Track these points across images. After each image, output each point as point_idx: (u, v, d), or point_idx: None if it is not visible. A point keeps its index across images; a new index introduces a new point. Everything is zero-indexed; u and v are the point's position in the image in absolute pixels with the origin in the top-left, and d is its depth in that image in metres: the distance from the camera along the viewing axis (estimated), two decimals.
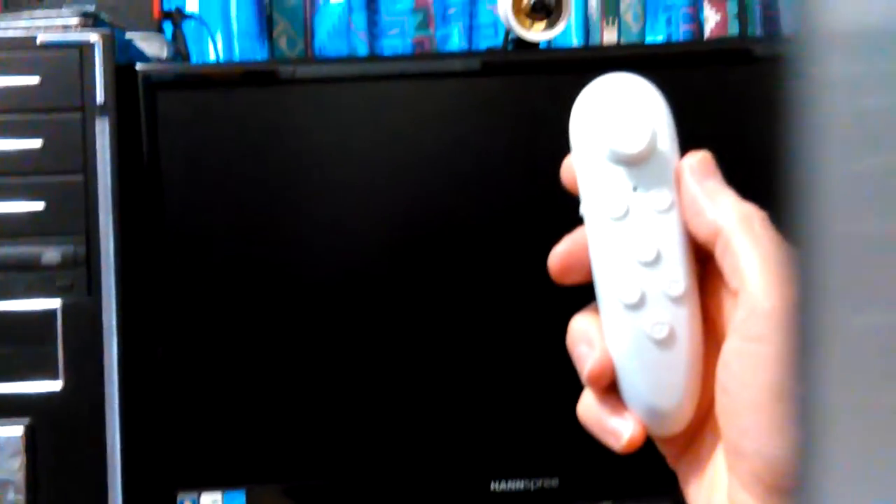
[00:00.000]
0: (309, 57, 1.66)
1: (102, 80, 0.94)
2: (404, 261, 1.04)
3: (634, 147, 0.38)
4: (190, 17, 1.39)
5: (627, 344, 0.39)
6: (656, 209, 0.39)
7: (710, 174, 0.39)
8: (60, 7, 1.18)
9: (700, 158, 0.39)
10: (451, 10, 1.70)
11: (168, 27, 1.31)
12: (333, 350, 1.04)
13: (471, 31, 1.71)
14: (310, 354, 1.04)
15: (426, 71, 1.06)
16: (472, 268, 1.04)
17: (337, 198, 1.03)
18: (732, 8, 1.62)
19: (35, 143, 0.94)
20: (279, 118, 1.02)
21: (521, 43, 1.10)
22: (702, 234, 0.38)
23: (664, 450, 0.42)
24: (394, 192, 1.04)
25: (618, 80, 0.40)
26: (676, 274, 0.38)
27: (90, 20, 0.98)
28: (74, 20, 0.97)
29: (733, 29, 1.62)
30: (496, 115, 1.05)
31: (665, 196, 0.39)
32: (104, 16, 1.01)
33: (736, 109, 1.03)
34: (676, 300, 0.38)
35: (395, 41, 1.70)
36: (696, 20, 1.65)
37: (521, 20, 1.09)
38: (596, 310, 0.40)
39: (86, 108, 0.94)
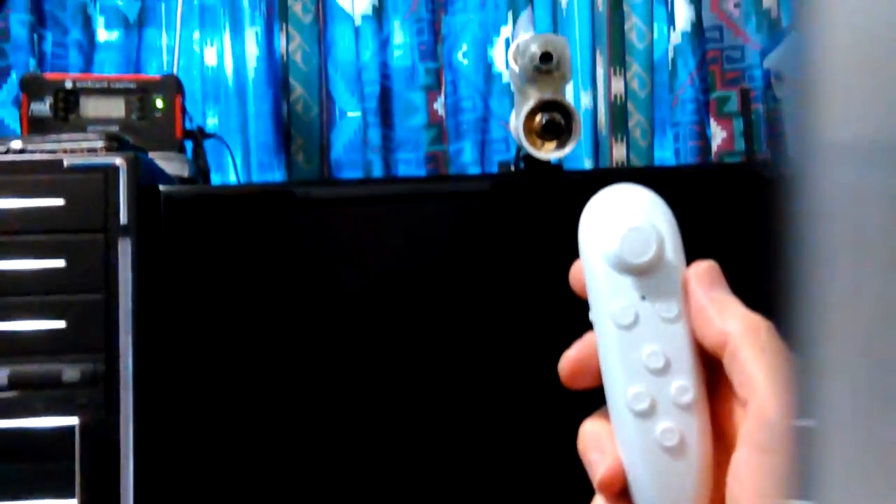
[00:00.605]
0: (324, 178, 1.70)
1: (126, 202, 0.96)
2: (417, 378, 1.05)
3: (642, 257, 0.39)
4: (211, 135, 1.43)
5: (638, 451, 0.39)
6: (664, 318, 0.39)
7: (717, 283, 0.39)
8: (85, 128, 1.22)
9: (706, 267, 0.40)
10: (464, 126, 1.74)
11: (189, 145, 1.35)
12: (356, 474, 1.04)
13: (483, 145, 1.75)
14: (324, 468, 1.04)
15: (438, 192, 1.08)
16: (485, 380, 1.05)
17: (351, 316, 1.05)
18: (739, 125, 1.66)
19: (58, 263, 0.96)
20: (295, 236, 1.05)
21: (531, 159, 1.13)
22: (709, 343, 0.38)
23: None
24: (408, 310, 1.05)
25: (625, 190, 0.41)
26: (686, 382, 0.39)
27: (115, 143, 1.01)
28: (100, 143, 1.00)
29: (740, 145, 1.65)
30: (507, 234, 1.07)
31: (673, 305, 0.39)
32: (128, 138, 1.04)
33: (744, 227, 1.05)
34: (686, 408, 0.39)
35: (409, 155, 1.74)
36: (704, 136, 1.68)
37: (532, 140, 1.12)
38: (606, 415, 0.40)
39: (109, 229, 0.96)
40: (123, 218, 0.96)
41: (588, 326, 0.41)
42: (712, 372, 0.39)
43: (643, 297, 0.39)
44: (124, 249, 0.96)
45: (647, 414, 0.39)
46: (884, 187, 0.21)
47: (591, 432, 0.41)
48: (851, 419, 0.21)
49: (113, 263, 0.96)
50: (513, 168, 1.31)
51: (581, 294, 0.42)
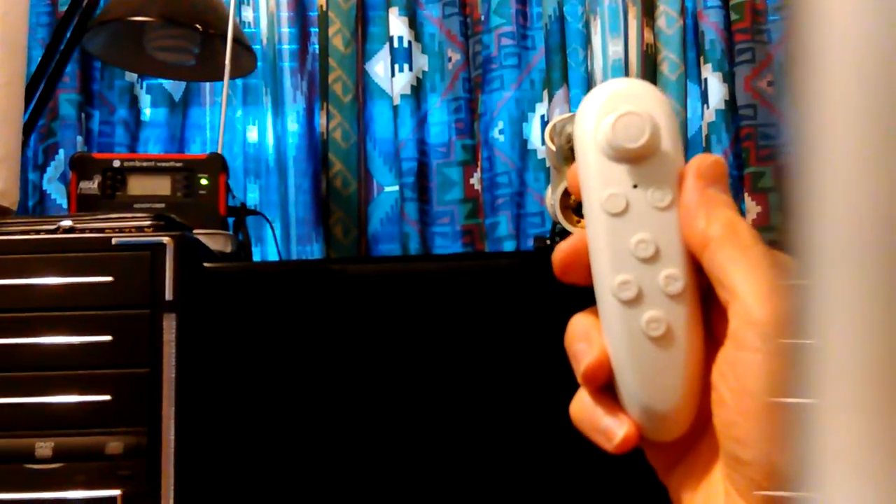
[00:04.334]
0: (360, 255, 1.73)
1: (171, 279, 0.99)
2: (448, 447, 1.05)
3: (636, 142, 0.37)
4: (253, 212, 1.46)
5: (624, 341, 0.38)
6: (656, 206, 0.38)
7: (716, 181, 0.38)
8: (131, 206, 1.26)
9: (712, 162, 0.38)
10: (500, 200, 1.76)
11: (231, 221, 1.39)
12: None
13: (518, 219, 1.77)
14: None
15: (473, 269, 1.10)
16: (516, 453, 1.05)
17: (389, 390, 1.06)
18: (774, 200, 1.67)
19: (105, 338, 0.98)
20: (332, 311, 1.07)
21: (567, 234, 1.14)
22: (691, 242, 0.37)
23: (656, 461, 0.40)
24: (442, 383, 1.06)
25: (624, 83, 0.40)
26: (675, 272, 0.37)
27: (162, 222, 1.03)
28: (147, 222, 1.03)
29: (775, 220, 1.66)
30: (541, 308, 1.08)
31: (666, 194, 0.38)
32: (174, 216, 1.07)
33: None
34: (674, 298, 0.37)
35: (446, 228, 1.76)
36: (739, 211, 1.69)
37: (567, 216, 1.14)
38: (596, 310, 0.39)
39: (154, 305, 0.99)
40: (169, 294, 0.99)
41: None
42: (703, 271, 0.38)
43: (635, 186, 0.38)
44: (169, 324, 0.98)
45: (634, 303, 0.37)
46: None
47: (578, 324, 0.40)
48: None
49: (158, 338, 0.99)
50: (548, 241, 1.33)
51: (576, 194, 0.40)
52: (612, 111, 0.38)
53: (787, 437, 0.23)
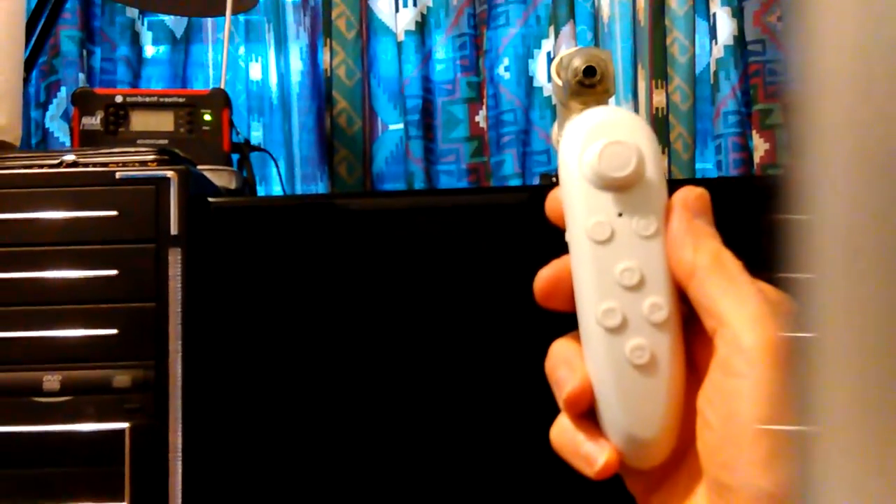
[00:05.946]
0: (366, 190, 1.72)
1: (176, 213, 0.98)
2: (456, 385, 1.06)
3: (622, 171, 0.38)
4: (257, 148, 1.46)
5: (607, 369, 0.38)
6: (641, 235, 0.38)
7: (702, 213, 0.38)
8: (134, 142, 1.25)
9: (697, 194, 0.39)
10: (506, 138, 1.75)
11: (236, 157, 1.38)
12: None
13: (524, 157, 1.76)
14: (371, 471, 1.05)
15: (479, 203, 1.10)
16: (523, 390, 1.06)
17: (392, 323, 1.06)
18: (782, 136, 1.65)
19: (111, 272, 0.98)
20: (338, 246, 1.06)
21: None
22: (678, 271, 0.38)
23: (634, 487, 0.40)
24: (447, 318, 1.07)
25: (607, 112, 0.40)
26: (660, 300, 0.38)
27: (166, 156, 1.03)
28: (151, 156, 1.02)
29: (782, 157, 1.65)
30: (547, 244, 1.07)
31: (651, 223, 0.38)
32: (179, 152, 1.06)
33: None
34: (658, 326, 0.38)
35: (451, 167, 1.75)
36: (746, 148, 1.68)
37: None
38: (577, 336, 0.40)
39: (160, 239, 0.99)
40: (174, 228, 0.98)
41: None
42: (687, 301, 0.38)
43: (620, 214, 0.38)
44: (174, 259, 0.98)
45: (618, 330, 0.38)
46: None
47: (559, 351, 0.40)
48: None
49: (163, 272, 0.98)
50: (554, 179, 1.32)
51: (556, 221, 0.41)
52: (598, 140, 0.38)
53: (786, 458, 0.22)
